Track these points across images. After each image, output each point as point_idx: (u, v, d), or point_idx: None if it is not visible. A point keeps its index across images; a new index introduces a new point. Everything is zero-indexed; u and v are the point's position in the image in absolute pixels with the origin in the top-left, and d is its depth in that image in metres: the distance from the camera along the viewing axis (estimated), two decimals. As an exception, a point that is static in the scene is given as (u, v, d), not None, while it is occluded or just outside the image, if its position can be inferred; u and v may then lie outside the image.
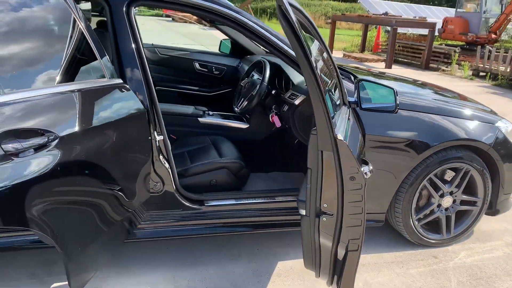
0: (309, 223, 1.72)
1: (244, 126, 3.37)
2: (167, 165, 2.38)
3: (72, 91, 1.88)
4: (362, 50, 15.12)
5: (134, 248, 2.70)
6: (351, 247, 1.62)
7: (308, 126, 2.66)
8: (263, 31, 2.44)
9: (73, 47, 1.97)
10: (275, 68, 3.05)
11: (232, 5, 2.51)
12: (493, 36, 15.18)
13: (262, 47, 2.52)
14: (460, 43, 15.85)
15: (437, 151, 2.66)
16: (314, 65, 1.52)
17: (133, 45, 2.29)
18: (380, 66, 12.25)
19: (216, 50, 4.42)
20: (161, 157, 2.34)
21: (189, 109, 3.31)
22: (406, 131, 2.58)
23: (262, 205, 2.65)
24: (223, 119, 3.37)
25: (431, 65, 12.34)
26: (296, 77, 2.92)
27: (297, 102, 2.68)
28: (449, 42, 16.50)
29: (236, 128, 3.36)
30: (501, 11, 15.36)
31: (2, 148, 1.60)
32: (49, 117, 1.77)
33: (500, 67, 10.29)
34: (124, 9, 2.31)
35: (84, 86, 1.95)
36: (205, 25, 22.08)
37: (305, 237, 1.77)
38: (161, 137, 2.32)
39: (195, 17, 22.95)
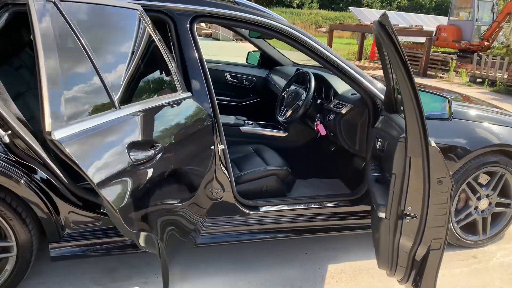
0: (389, 225, 1.84)
1: (282, 134, 3.49)
2: (226, 172, 2.48)
3: (163, 105, 2.01)
4: (359, 58, 15.36)
5: (189, 255, 2.78)
6: (433, 246, 1.74)
7: (354, 134, 2.80)
8: (315, 44, 2.57)
9: (158, 66, 2.11)
10: (319, 79, 3.18)
11: (285, 21, 2.64)
12: (486, 43, 15.54)
13: (313, 60, 2.63)
14: (453, 50, 16.19)
15: (475, 156, 2.79)
16: (413, 78, 1.63)
17: (197, 59, 2.41)
18: (380, 74, 12.45)
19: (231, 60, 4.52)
20: (221, 165, 2.45)
21: (230, 119, 3.42)
22: (449, 137, 2.71)
23: (312, 210, 2.76)
24: (262, 128, 3.49)
25: (429, 72, 12.60)
26: (339, 87, 3.05)
27: (343, 111, 2.80)
28: (442, 50, 16.83)
29: (274, 136, 3.48)
30: (493, 19, 15.75)
31: (131, 158, 1.72)
32: (153, 129, 1.91)
33: (497, 74, 10.56)
34: (188, 25, 2.43)
35: (168, 100, 2.07)
36: (200, 36, 22.28)
37: (383, 238, 1.88)
38: (222, 146, 2.43)
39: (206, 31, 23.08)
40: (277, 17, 2.63)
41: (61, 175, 2.24)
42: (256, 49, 4.28)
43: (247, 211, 2.60)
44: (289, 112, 3.17)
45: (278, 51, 4.23)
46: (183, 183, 2.08)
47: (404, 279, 1.91)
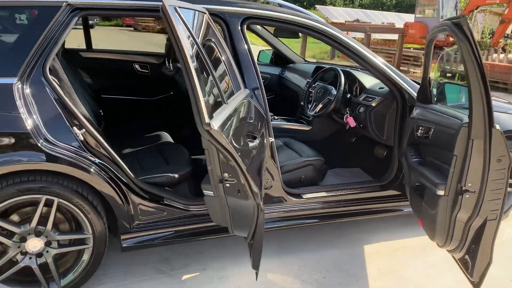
0: (447, 201, 2.09)
1: (306, 128, 3.71)
2: (275, 163, 2.68)
3: (241, 101, 2.20)
4: (332, 57, 15.78)
5: (240, 239, 2.96)
6: (490, 217, 2.00)
7: (382, 125, 3.05)
8: (350, 42, 2.80)
9: (228, 65, 2.30)
10: (346, 75, 3.41)
11: (323, 20, 2.86)
12: (451, 39, 16.29)
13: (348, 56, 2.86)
14: (420, 46, 16.87)
15: None
16: (484, 71, 1.87)
17: (250, 58, 2.59)
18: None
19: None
20: (271, 156, 2.64)
21: (259, 114, 3.62)
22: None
23: (347, 196, 3.00)
24: (287, 122, 3.70)
25: (402, 68, 13.14)
26: (366, 82, 3.30)
27: (374, 103, 3.05)
28: (409, 46, 17.50)
29: (299, 130, 3.69)
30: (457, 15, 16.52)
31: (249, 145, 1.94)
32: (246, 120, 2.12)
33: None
34: (239, 27, 2.60)
35: (242, 96, 2.27)
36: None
37: (440, 214, 2.13)
38: (272, 139, 2.63)
39: (158, 27, 22.96)
40: (315, 17, 2.84)
41: (128, 169, 2.38)
42: (268, 47, 4.47)
43: (293, 198, 2.81)
44: (319, 106, 3.39)
45: (290, 49, 4.43)
46: (258, 173, 2.26)
47: (458, 249, 2.16)
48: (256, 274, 2.18)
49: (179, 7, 1.90)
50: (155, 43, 17.68)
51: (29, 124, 2.08)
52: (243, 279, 2.61)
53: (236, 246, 2.92)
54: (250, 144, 2.13)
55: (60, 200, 2.20)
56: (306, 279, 2.65)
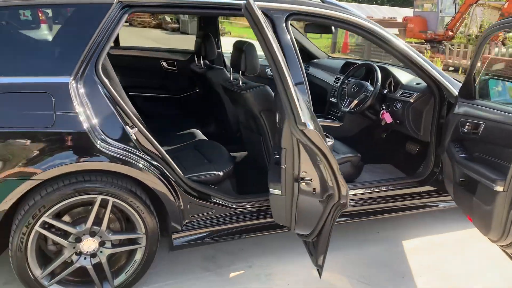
0: (505, 197, 2.10)
1: (337, 124, 3.71)
2: None
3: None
4: (333, 51, 15.78)
5: (280, 238, 2.96)
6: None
7: (420, 120, 3.05)
8: (391, 38, 2.79)
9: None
10: (382, 71, 3.40)
11: (363, 16, 2.85)
12: (450, 33, 16.38)
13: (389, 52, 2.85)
14: (417, 40, 16.93)
15: None
16: None
17: (295, 53, 2.57)
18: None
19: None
20: None
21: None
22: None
23: (384, 193, 3.00)
24: (317, 119, 3.69)
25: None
26: (402, 78, 3.30)
27: (412, 99, 3.05)
28: (408, 40, 17.56)
29: (330, 126, 3.69)
30: (455, 10, 16.60)
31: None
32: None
33: (468, 62, 11.26)
34: (283, 23, 2.58)
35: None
36: (167, 30, 22.06)
37: (498, 209, 2.14)
38: None
39: (154, 22, 22.83)
40: (356, 13, 2.83)
41: (177, 168, 2.37)
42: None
43: None
44: (355, 102, 3.38)
45: (314, 45, 4.42)
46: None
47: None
48: (319, 271, 2.18)
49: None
50: (153, 38, 17.64)
51: (85, 123, 2.06)
52: (290, 276, 2.61)
53: (277, 244, 2.91)
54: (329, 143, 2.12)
55: (115, 200, 2.18)
56: (352, 275, 2.65)
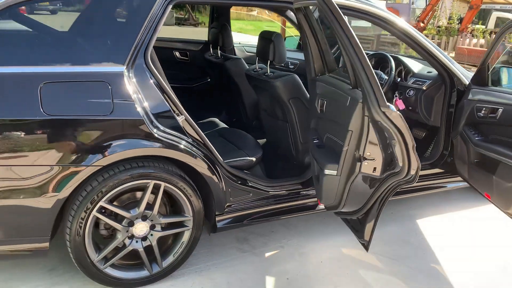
0: None
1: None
2: None
3: None
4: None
5: (298, 221, 3.11)
6: None
7: (431, 107, 3.26)
8: (410, 29, 2.97)
9: None
10: (395, 60, 3.58)
11: (384, 8, 3.00)
12: (422, 25, 16.83)
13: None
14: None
15: None
16: None
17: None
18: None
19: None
20: None
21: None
22: None
23: None
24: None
25: (380, 53, 13.53)
26: (413, 67, 3.49)
27: (424, 87, 3.25)
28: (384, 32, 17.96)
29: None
30: (426, 2, 17.10)
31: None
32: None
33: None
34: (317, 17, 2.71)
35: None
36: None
37: None
38: None
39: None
40: (376, 5, 2.98)
41: (218, 154, 2.47)
42: (295, 34, 4.57)
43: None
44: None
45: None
46: None
47: None
48: (366, 246, 2.32)
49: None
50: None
51: (141, 111, 2.13)
52: (322, 254, 2.77)
53: (303, 225, 3.07)
54: None
55: (166, 184, 2.27)
56: (377, 252, 2.83)
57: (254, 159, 2.77)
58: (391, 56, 3.61)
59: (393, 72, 3.45)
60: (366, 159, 2.02)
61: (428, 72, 3.36)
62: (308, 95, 2.84)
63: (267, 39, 2.84)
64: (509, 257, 2.86)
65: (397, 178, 2.02)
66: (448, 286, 2.55)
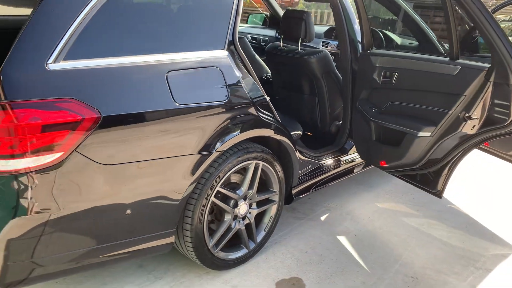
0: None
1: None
2: None
3: None
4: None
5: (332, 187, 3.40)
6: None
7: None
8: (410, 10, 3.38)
9: None
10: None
11: None
12: (295, 0, 17.87)
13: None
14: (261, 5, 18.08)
15: None
16: None
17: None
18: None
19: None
20: None
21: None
22: None
23: None
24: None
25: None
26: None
27: None
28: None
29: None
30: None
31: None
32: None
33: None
34: None
35: None
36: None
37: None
38: None
39: None
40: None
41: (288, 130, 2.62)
42: (256, 11, 4.70)
43: None
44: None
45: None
46: None
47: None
48: (439, 194, 2.61)
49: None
50: None
51: (246, 94, 2.18)
52: (365, 210, 3.12)
53: (334, 188, 3.37)
54: None
55: (263, 163, 2.36)
56: (401, 201, 3.29)
57: (300, 132, 2.96)
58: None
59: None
60: (471, 118, 2.35)
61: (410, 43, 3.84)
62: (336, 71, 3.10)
63: (296, 18, 2.99)
64: None
65: (496, 132, 2.33)
66: (472, 220, 3.12)
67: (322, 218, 3.00)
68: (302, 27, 2.95)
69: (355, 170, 3.20)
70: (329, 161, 3.01)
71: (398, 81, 2.62)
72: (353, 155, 3.18)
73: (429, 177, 2.64)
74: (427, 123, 2.46)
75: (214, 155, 2.07)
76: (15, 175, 1.59)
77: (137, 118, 1.80)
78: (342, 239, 2.77)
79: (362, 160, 3.17)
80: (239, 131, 2.16)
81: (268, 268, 2.45)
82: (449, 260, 2.64)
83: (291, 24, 3.05)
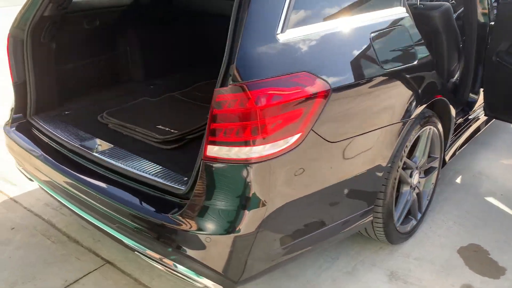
0: None
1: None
2: None
3: None
4: None
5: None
6: None
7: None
8: None
9: None
10: None
11: None
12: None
13: None
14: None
15: None
16: None
17: None
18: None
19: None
20: None
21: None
22: None
23: None
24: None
25: None
26: None
27: None
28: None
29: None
30: None
31: None
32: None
33: None
34: None
35: None
36: None
37: None
38: None
39: None
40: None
41: None
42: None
43: None
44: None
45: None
46: None
47: None
48: None
49: None
50: None
51: (427, 53, 2.03)
52: (496, 169, 3.01)
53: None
54: None
55: (433, 128, 2.21)
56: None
57: None
58: None
59: None
60: None
61: None
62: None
63: None
64: None
65: None
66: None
67: (458, 181, 2.88)
68: None
69: (481, 128, 3.07)
70: (459, 121, 2.86)
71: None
72: (477, 112, 3.04)
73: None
74: None
75: (409, 123, 1.92)
76: (251, 163, 1.41)
77: (356, 88, 1.63)
78: (492, 200, 2.66)
79: (485, 117, 3.03)
80: (426, 96, 2.00)
81: (438, 237, 2.34)
82: None
83: None
